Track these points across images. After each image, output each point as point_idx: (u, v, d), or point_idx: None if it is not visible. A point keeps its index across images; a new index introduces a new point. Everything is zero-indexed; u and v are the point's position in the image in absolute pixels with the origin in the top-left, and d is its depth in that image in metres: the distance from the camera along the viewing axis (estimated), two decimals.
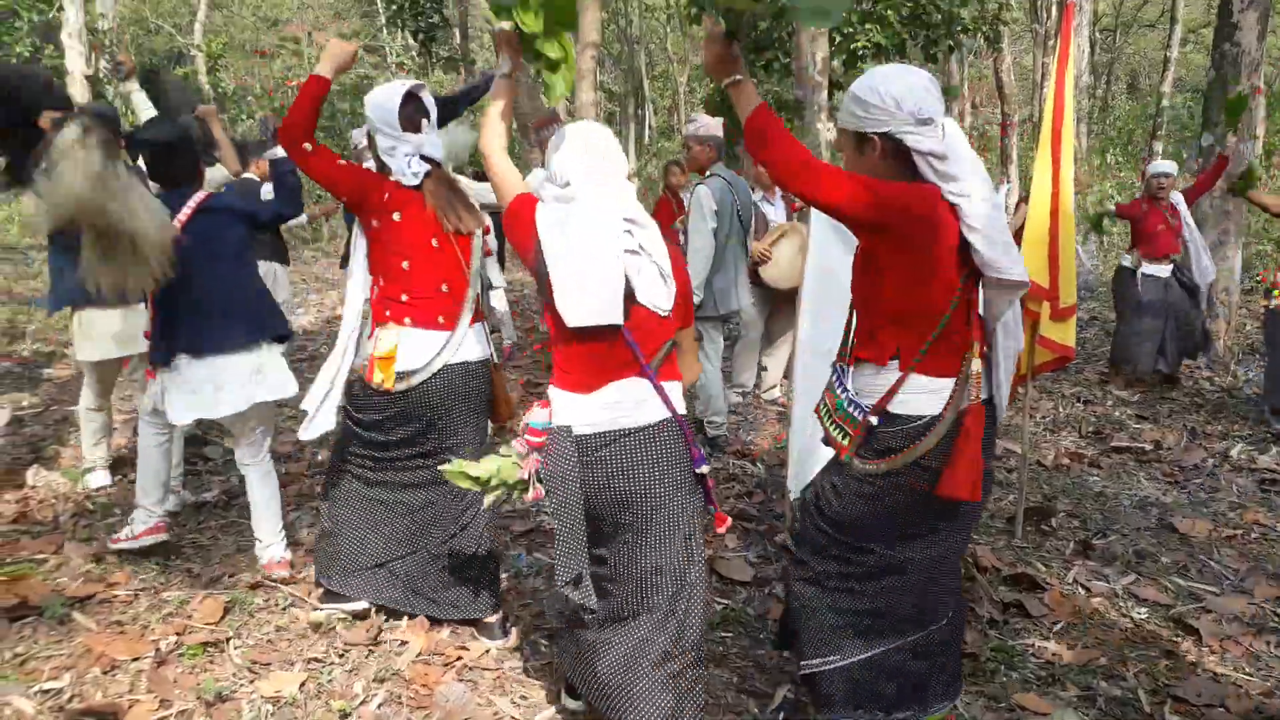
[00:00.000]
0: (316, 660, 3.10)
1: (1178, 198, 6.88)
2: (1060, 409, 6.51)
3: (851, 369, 2.46)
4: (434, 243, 3.00)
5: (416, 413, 3.04)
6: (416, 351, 2.98)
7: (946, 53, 13.57)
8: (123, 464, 4.69)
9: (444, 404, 3.05)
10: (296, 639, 3.23)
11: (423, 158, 3.00)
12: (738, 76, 2.33)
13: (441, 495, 3.15)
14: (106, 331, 4.18)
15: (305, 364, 7.49)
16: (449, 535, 3.17)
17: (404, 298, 2.98)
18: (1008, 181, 15.06)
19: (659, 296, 2.35)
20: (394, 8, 15.26)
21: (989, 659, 3.16)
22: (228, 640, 3.18)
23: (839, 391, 2.47)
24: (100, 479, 4.56)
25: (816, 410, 2.60)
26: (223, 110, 15.56)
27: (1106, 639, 3.35)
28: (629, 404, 2.35)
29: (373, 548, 3.22)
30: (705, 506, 2.53)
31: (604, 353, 2.33)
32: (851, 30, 10.89)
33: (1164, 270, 6.94)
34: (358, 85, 20.06)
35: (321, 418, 3.15)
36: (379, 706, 2.86)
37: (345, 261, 6.61)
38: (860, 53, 11.00)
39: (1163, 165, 7.03)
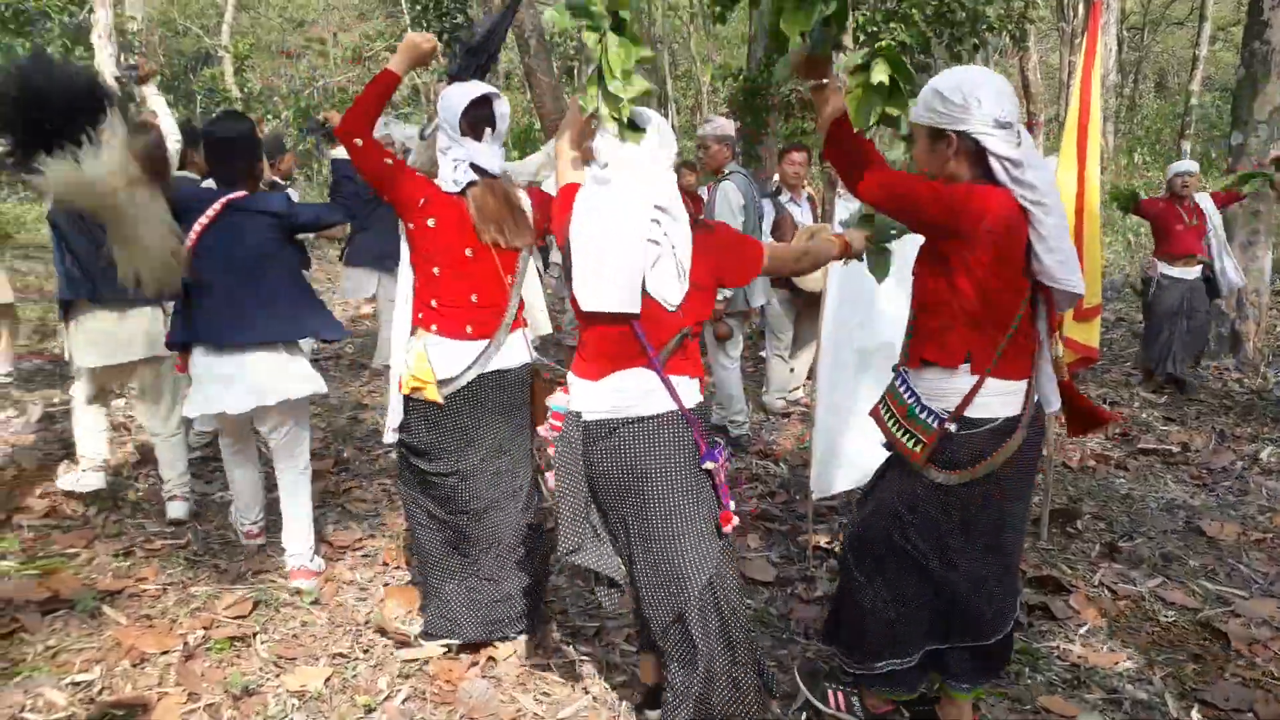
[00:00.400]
0: (341, 655, 3.12)
1: (1204, 199, 6.79)
2: None
3: (914, 371, 2.45)
4: (468, 253, 2.91)
5: (455, 422, 2.97)
6: (445, 361, 2.93)
7: (971, 51, 13.47)
8: (143, 464, 4.74)
9: (479, 415, 2.98)
10: (322, 635, 3.26)
11: (474, 167, 2.89)
12: (825, 80, 2.33)
13: (499, 505, 3.06)
14: (103, 335, 4.02)
15: (329, 362, 7.55)
16: (514, 547, 3.10)
17: (433, 303, 2.93)
18: None
19: (669, 291, 2.31)
20: (418, 8, 15.30)
21: (1013, 661, 3.13)
22: (254, 635, 3.22)
23: (907, 397, 2.44)
24: (91, 481, 4.35)
25: (875, 414, 2.58)
26: (249, 110, 15.72)
27: (1133, 642, 3.32)
28: (635, 393, 2.34)
29: (453, 572, 3.13)
30: (715, 502, 2.45)
31: (614, 340, 2.35)
32: (876, 29, 10.85)
33: (1187, 273, 6.85)
34: None
35: (393, 418, 3.08)
36: (403, 702, 2.88)
37: (344, 256, 6.68)
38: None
39: (1184, 164, 6.95)
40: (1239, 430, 6.01)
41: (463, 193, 2.90)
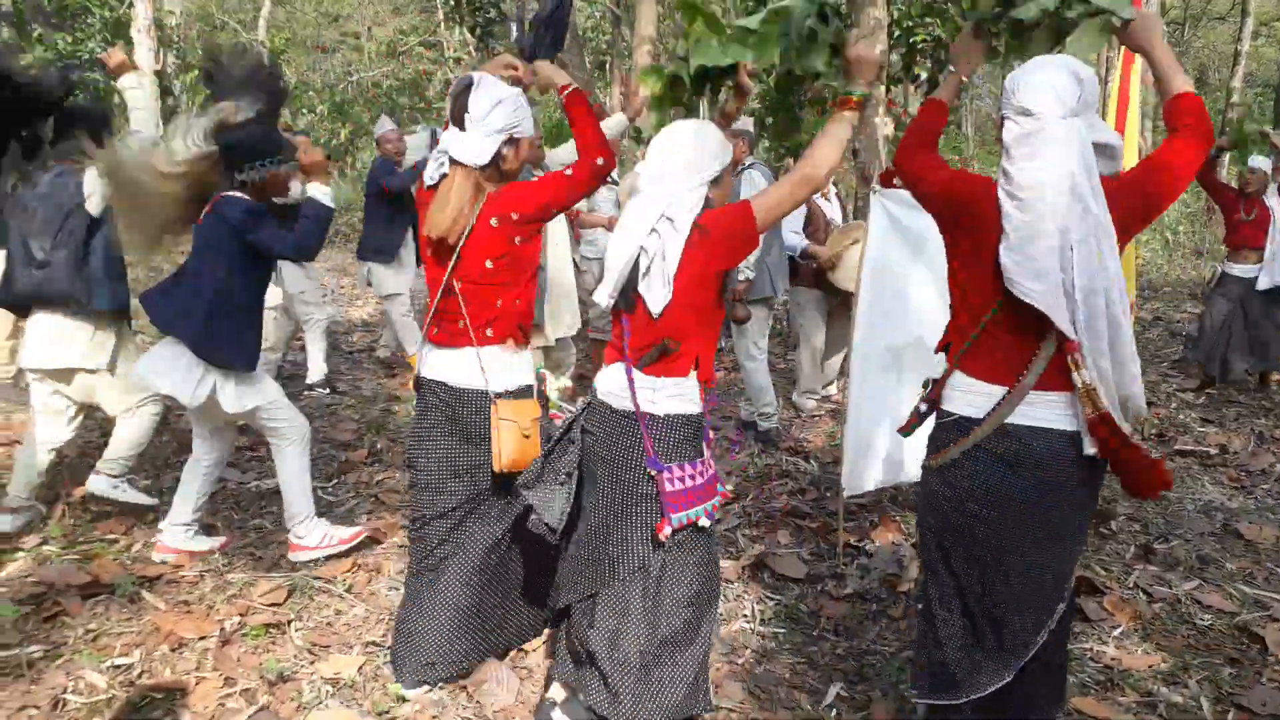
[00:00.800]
0: (375, 644, 3.16)
1: (1272, 197, 6.64)
2: None
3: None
4: (430, 252, 2.84)
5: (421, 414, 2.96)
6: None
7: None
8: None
9: (422, 417, 2.92)
10: (356, 623, 3.30)
11: (452, 160, 2.75)
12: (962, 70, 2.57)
13: (458, 528, 2.91)
14: (50, 337, 3.84)
15: (362, 354, 7.61)
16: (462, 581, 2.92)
17: None
18: None
19: (654, 297, 2.38)
20: (451, 3, 15.36)
21: None
22: (289, 623, 3.26)
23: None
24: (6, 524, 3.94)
25: None
26: (285, 104, 15.84)
27: (1168, 645, 3.29)
28: (617, 386, 2.49)
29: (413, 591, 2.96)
30: (656, 509, 2.45)
31: (617, 333, 2.52)
32: (911, 24, 10.76)
33: (1247, 271, 6.73)
34: (416, 80, 20.31)
35: None
36: (435, 691, 2.90)
37: (360, 253, 6.80)
38: (919, 47, 10.86)
39: (1254, 160, 6.80)
40: (1278, 432, 5.92)
41: (434, 187, 2.80)
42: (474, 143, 2.72)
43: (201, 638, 3.12)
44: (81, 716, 2.71)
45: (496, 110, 2.72)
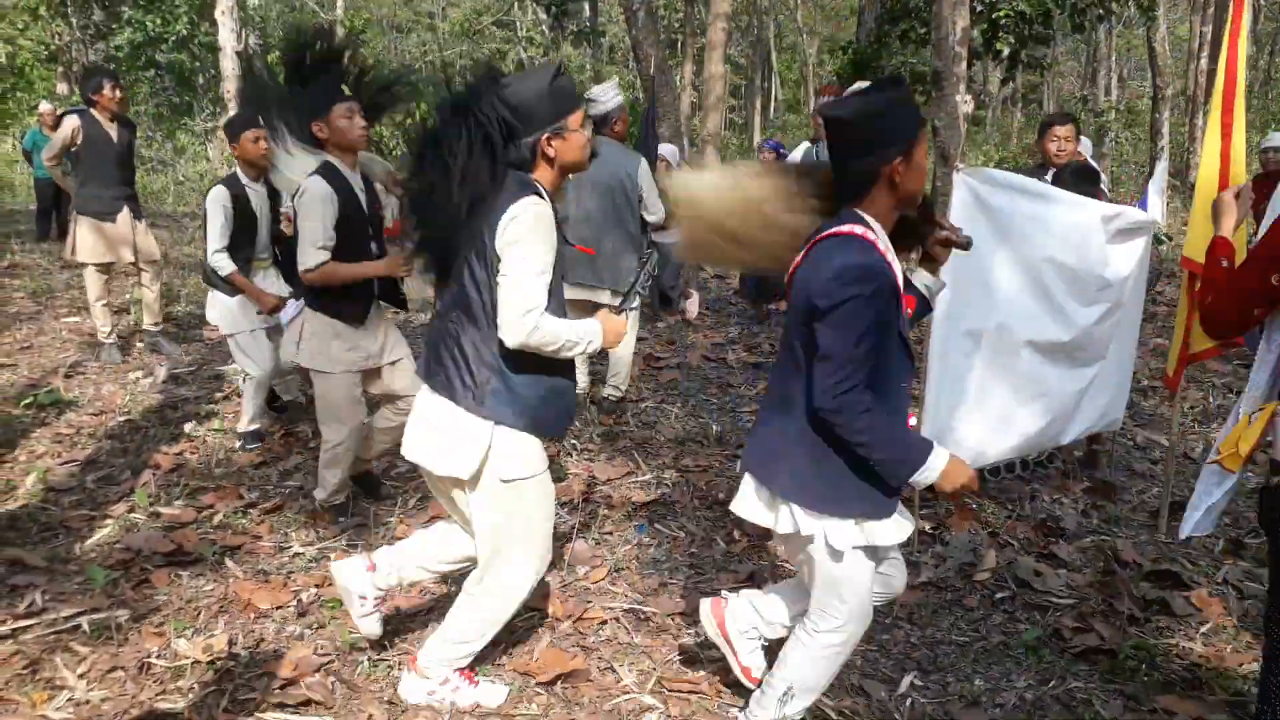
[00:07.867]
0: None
1: None
2: (1210, 399, 6.15)
3: None
4: None
5: None
6: None
7: (1095, 22, 12.89)
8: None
9: None
10: (428, 596, 3.33)
11: None
12: None
13: None
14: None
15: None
16: None
17: None
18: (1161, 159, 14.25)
19: None
20: None
21: (1128, 656, 3.02)
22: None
23: None
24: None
25: None
26: None
27: (1259, 644, 3.16)
28: None
29: None
30: None
31: None
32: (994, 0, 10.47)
33: None
34: (490, 59, 20.48)
35: None
36: (507, 662, 2.93)
37: None
38: (1002, 22, 10.56)
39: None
40: None
41: None
42: None
43: (279, 607, 3.19)
44: (167, 680, 2.80)
45: None
